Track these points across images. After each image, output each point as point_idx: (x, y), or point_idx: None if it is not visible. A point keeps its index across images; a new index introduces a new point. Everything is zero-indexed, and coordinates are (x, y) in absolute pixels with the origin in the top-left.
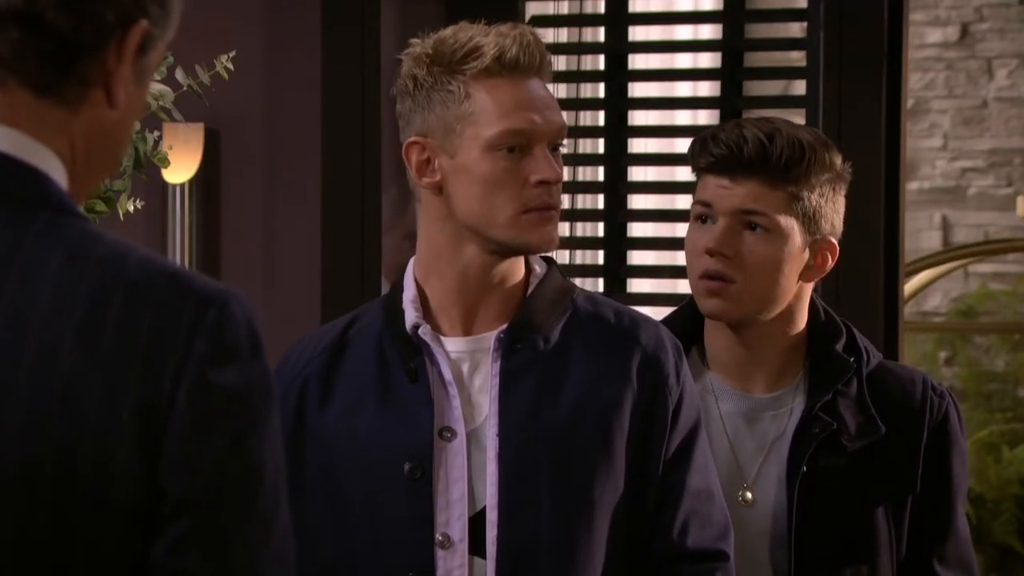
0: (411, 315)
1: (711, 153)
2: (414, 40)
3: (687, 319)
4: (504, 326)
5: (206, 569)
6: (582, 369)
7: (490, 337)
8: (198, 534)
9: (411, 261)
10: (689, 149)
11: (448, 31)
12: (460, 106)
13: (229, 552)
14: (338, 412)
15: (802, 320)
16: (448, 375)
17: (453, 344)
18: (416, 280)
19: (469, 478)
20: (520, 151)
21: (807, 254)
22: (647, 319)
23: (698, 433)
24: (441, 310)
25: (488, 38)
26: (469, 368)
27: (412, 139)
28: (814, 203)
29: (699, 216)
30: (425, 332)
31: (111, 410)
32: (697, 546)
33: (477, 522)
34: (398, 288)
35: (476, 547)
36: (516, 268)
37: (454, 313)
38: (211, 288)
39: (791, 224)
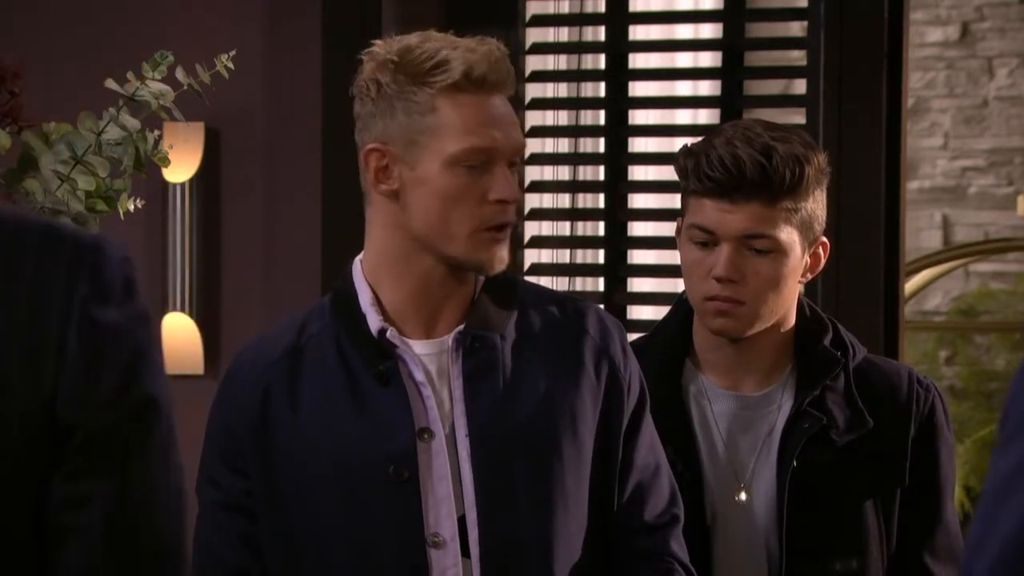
0: (374, 319)
1: (708, 178)
2: (377, 42)
3: (678, 323)
4: (461, 327)
5: (105, 495)
6: (541, 366)
7: (450, 339)
8: (98, 464)
9: (356, 263)
10: (677, 166)
11: (414, 39)
12: (424, 118)
13: (127, 479)
14: (309, 420)
15: (792, 319)
16: (420, 376)
17: (419, 347)
18: (368, 282)
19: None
20: (480, 168)
21: (806, 258)
22: (587, 304)
23: (644, 409)
24: (401, 313)
25: (457, 52)
26: (436, 370)
27: (372, 145)
28: (810, 209)
29: (699, 240)
30: (393, 335)
31: (1, 358)
32: (650, 518)
33: (460, 522)
34: (348, 291)
35: (462, 547)
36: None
37: (415, 316)
38: (85, 235)
39: (792, 237)
